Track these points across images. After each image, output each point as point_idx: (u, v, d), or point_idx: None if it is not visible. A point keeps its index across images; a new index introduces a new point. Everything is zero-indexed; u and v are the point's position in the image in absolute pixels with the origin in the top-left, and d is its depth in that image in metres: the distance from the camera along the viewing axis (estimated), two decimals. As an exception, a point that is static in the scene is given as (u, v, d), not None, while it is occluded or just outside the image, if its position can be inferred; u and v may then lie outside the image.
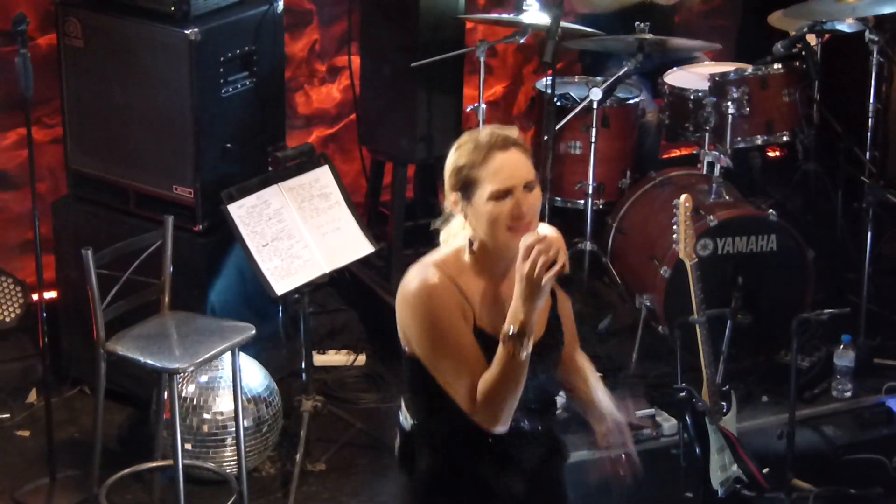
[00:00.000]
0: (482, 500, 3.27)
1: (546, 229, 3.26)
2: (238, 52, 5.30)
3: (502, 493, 3.27)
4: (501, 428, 3.11)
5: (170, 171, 5.28)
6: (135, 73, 5.24)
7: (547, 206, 5.82)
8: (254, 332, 4.80)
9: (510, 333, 3.02)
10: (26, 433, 5.45)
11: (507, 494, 3.28)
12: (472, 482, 3.25)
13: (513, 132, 3.15)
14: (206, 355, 4.65)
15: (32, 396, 5.62)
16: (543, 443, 3.32)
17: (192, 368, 4.72)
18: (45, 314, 5.12)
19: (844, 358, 5.58)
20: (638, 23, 5.89)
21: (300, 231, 5.06)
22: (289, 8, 5.91)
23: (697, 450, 4.78)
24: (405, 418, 3.30)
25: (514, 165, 3.09)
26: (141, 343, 4.66)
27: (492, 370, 3.05)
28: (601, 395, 3.35)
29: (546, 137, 5.66)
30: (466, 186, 3.11)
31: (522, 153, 3.12)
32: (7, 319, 5.72)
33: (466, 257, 3.17)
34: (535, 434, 3.28)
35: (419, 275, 3.14)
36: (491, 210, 3.08)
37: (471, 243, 3.17)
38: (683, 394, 4.82)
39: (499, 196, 3.07)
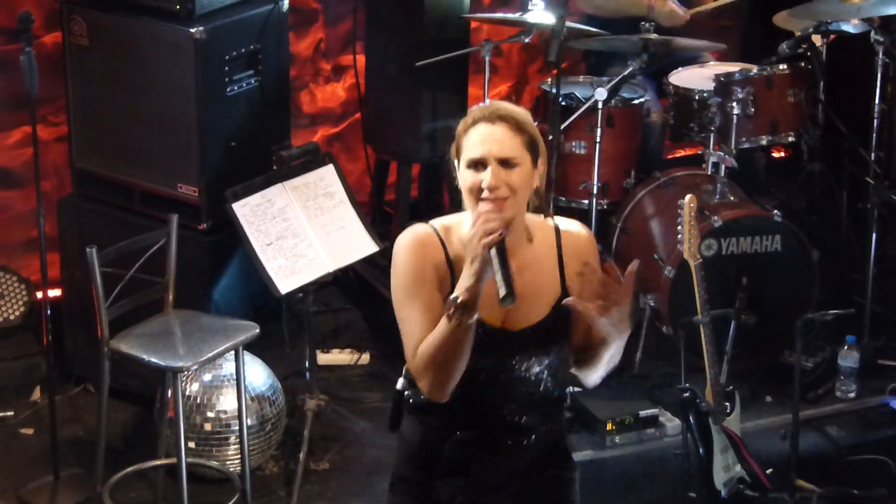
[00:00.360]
0: (450, 478, 3.26)
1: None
2: (243, 50, 5.31)
3: (473, 478, 3.25)
4: (438, 396, 3.10)
5: (174, 170, 5.29)
6: (140, 72, 5.24)
7: (551, 206, 5.81)
8: (258, 330, 4.80)
9: (453, 299, 3.02)
10: (30, 431, 5.45)
11: (484, 483, 3.26)
12: (441, 459, 3.25)
13: (513, 111, 3.14)
14: (210, 354, 4.65)
15: (36, 394, 5.62)
16: (536, 444, 3.27)
17: (195, 367, 4.72)
18: (49, 312, 5.12)
19: (848, 358, 5.58)
20: (643, 23, 5.89)
21: (304, 230, 5.06)
22: (294, 7, 5.90)
23: (701, 450, 4.77)
24: (401, 379, 3.31)
25: (492, 138, 3.09)
26: (145, 341, 4.66)
27: (434, 332, 3.06)
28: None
29: (551, 137, 5.65)
30: (457, 153, 3.16)
31: (511, 130, 3.10)
32: (11, 317, 5.72)
33: (465, 226, 3.17)
34: (525, 429, 3.24)
35: (413, 227, 3.20)
36: (466, 178, 3.11)
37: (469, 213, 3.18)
38: (687, 394, 4.82)
39: (472, 165, 3.10)
